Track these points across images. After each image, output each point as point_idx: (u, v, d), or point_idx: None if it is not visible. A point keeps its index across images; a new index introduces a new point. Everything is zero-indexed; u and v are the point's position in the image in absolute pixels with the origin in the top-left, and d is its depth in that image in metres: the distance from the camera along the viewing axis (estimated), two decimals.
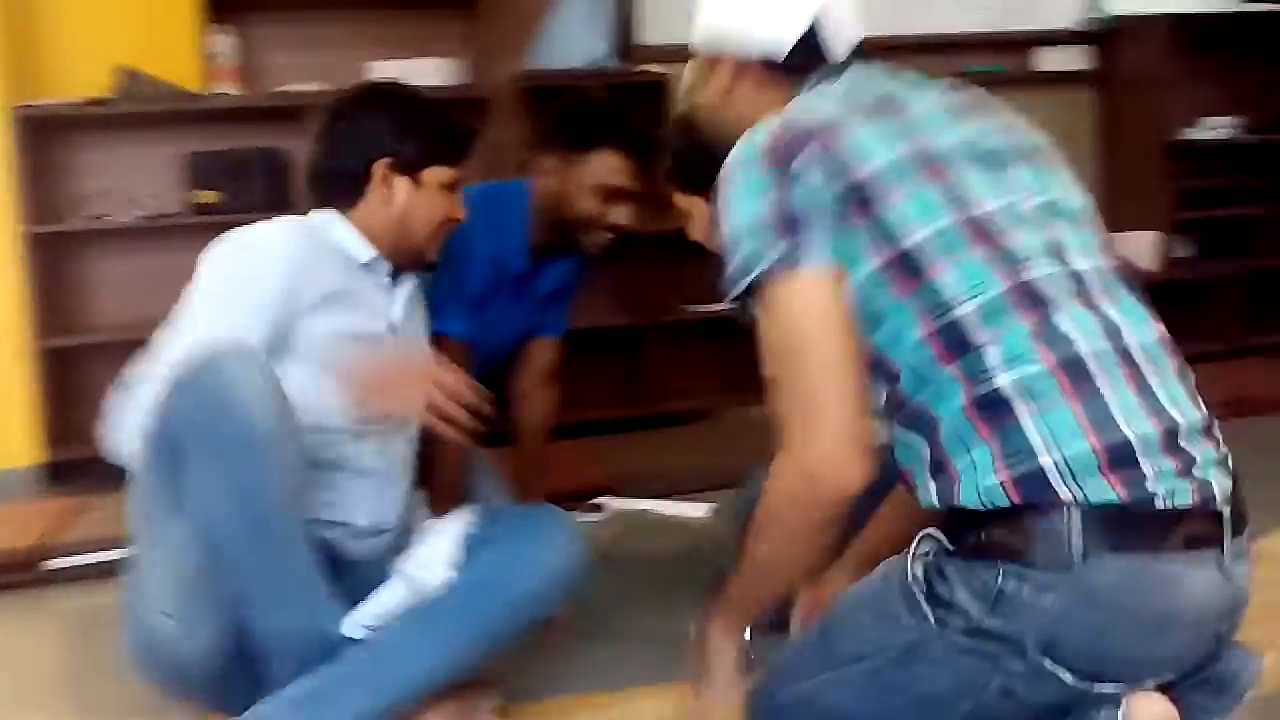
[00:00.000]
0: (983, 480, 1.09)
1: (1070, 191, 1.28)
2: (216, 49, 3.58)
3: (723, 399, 3.86)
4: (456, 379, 1.43)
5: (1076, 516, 1.05)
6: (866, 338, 1.18)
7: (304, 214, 1.71)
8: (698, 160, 1.90)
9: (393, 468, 1.68)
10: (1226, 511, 1.09)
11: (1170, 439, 1.09)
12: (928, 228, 1.16)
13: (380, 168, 1.66)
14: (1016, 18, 4.32)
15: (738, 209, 1.22)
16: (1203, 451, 1.11)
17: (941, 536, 1.15)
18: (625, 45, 3.78)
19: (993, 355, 1.11)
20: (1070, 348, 1.11)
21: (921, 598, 1.14)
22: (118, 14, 3.57)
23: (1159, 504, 1.05)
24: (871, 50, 1.39)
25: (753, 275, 1.19)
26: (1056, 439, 1.07)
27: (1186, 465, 1.08)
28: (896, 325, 1.15)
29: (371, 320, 1.65)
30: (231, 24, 3.63)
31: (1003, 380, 1.10)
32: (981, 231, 1.16)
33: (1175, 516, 1.06)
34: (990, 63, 4.28)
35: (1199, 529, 1.07)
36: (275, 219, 1.64)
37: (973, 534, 1.11)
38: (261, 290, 1.51)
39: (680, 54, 3.93)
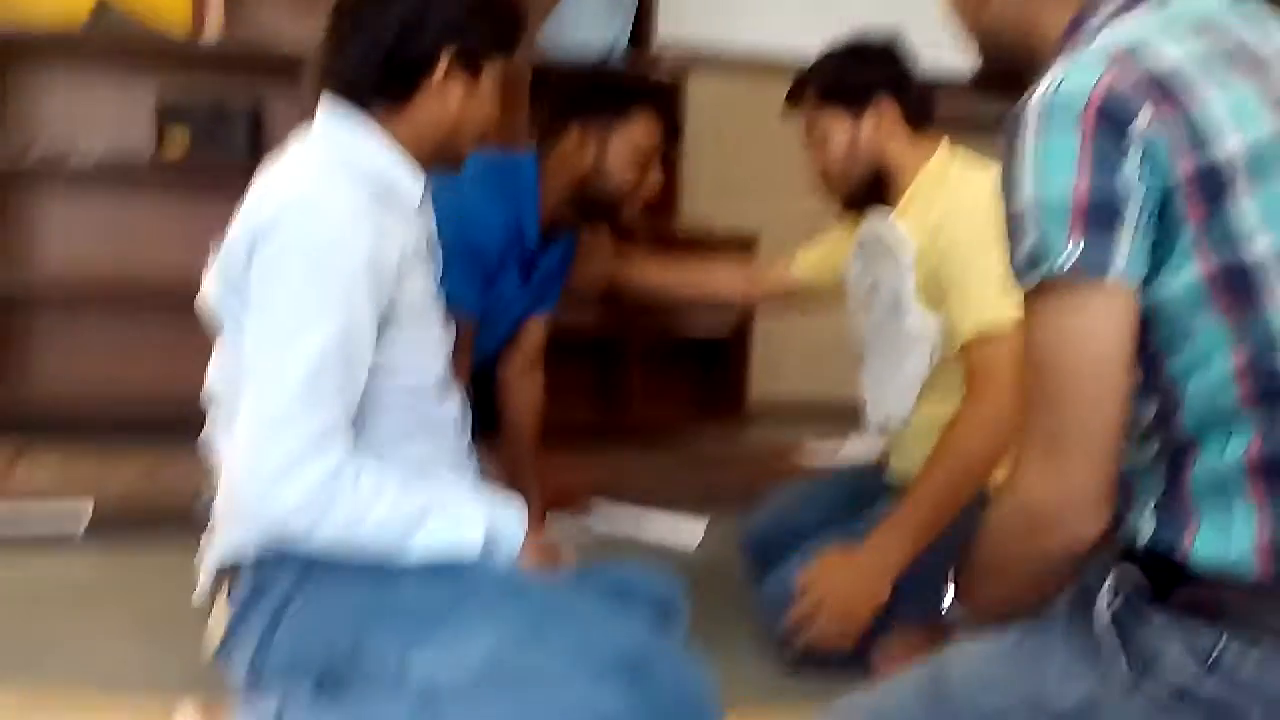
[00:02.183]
0: (1235, 544, 0.95)
1: None
2: None
3: (698, 419, 3.75)
4: None
5: None
6: (1160, 354, 0.99)
7: (313, 116, 1.38)
8: (859, 69, 1.87)
9: (464, 420, 1.50)
10: None
11: None
12: (1277, 239, 0.94)
13: (447, 57, 1.36)
14: None
15: (1039, 175, 0.96)
16: None
17: (1142, 579, 1.01)
18: (641, 39, 3.62)
19: None
20: None
21: (1119, 646, 0.99)
22: None
23: None
24: None
25: (1041, 271, 0.96)
26: None
27: None
28: (1205, 351, 0.96)
29: (423, 256, 1.45)
30: None
31: None
32: None
33: None
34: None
35: None
36: (298, 157, 1.33)
37: (1191, 590, 0.97)
38: (358, 295, 1.26)
39: (697, 58, 3.96)
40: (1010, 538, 1.05)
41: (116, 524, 2.43)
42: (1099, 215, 0.94)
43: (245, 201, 1.31)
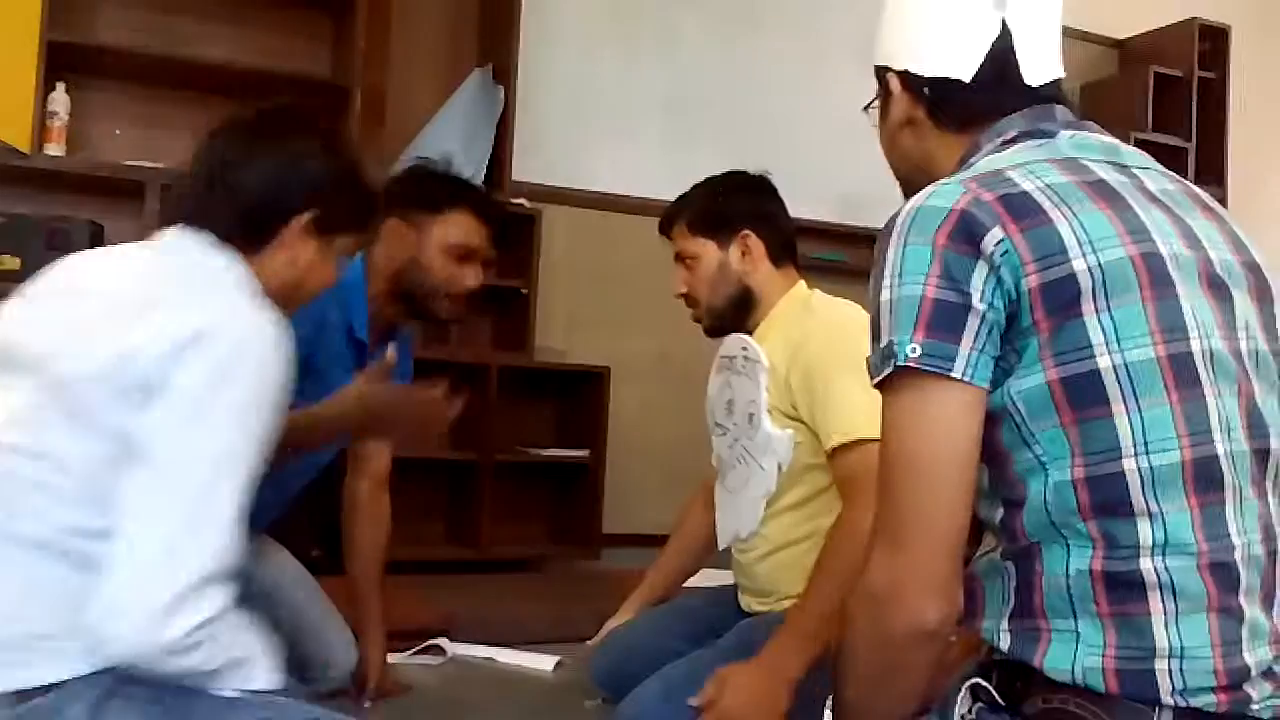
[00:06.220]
0: (1083, 658, 0.99)
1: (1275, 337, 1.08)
2: (53, 108, 3.27)
3: (552, 547, 3.72)
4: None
5: (1169, 715, 0.97)
6: (1006, 455, 1.04)
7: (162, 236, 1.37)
8: (728, 202, 1.96)
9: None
10: None
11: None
12: (1123, 354, 0.99)
13: (303, 221, 1.41)
14: (855, 213, 4.51)
15: (896, 282, 1.03)
16: None
17: (992, 691, 1.05)
18: (496, 177, 3.72)
19: (1146, 533, 0.98)
20: (1227, 552, 0.98)
21: None
22: None
23: (1249, 714, 0.98)
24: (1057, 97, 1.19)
25: (890, 369, 1.02)
26: (1183, 650, 0.97)
27: None
28: (1047, 454, 1.01)
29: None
30: (73, 85, 3.35)
31: (1148, 566, 0.98)
32: (1182, 376, 0.99)
33: None
34: (831, 252, 4.45)
35: None
36: (200, 275, 1.32)
37: (1042, 698, 1.01)
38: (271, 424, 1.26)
39: (548, 195, 4.06)
40: (858, 624, 1.08)
41: None
42: (942, 319, 1.00)
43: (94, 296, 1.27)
